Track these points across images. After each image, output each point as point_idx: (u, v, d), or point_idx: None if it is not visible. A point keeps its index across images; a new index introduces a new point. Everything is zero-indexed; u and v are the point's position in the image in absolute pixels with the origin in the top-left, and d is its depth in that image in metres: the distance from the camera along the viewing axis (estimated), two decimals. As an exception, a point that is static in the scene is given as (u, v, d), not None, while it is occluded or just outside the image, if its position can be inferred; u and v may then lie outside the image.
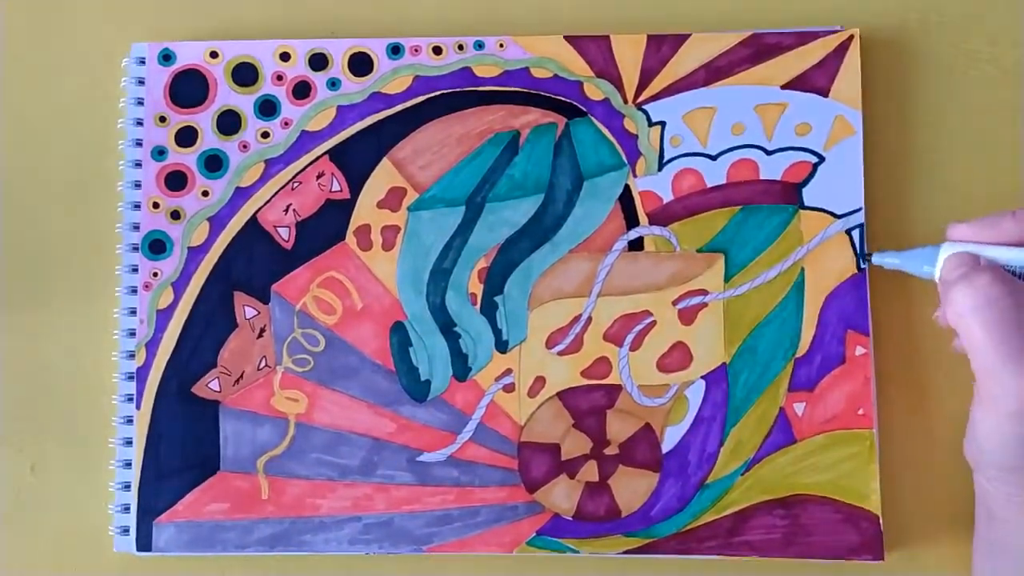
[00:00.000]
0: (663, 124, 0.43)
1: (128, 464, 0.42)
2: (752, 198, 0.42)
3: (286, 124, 0.44)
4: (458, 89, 0.44)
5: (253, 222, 0.44)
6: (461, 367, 0.43)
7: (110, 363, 0.44)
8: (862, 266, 0.42)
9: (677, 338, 0.42)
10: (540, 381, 0.43)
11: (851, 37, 0.43)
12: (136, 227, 0.43)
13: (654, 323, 0.42)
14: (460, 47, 0.44)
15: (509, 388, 0.43)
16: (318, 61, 0.44)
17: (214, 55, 0.44)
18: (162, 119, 0.44)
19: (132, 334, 0.43)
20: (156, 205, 0.44)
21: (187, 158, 0.44)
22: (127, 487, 0.42)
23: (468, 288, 0.43)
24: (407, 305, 0.43)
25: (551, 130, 0.43)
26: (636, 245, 0.43)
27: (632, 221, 0.43)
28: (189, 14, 0.46)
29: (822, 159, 0.42)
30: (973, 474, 0.39)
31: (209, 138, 0.44)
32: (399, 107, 0.44)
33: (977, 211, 0.42)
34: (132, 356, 0.43)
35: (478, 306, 0.43)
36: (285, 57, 0.44)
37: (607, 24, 0.45)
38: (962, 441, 0.38)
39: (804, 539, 0.41)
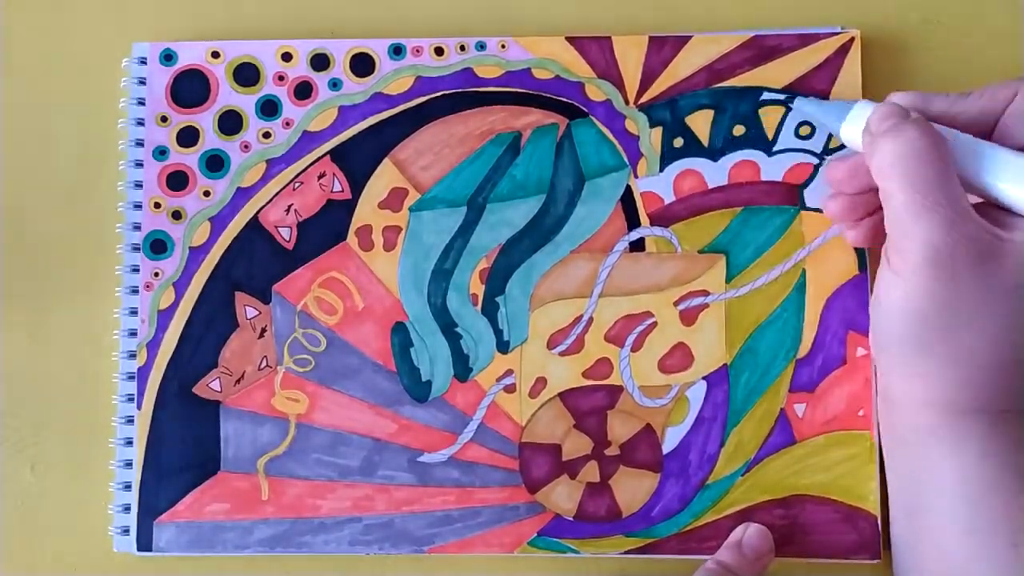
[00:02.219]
0: (664, 125, 0.43)
1: (129, 464, 0.42)
2: (753, 199, 0.43)
3: (287, 124, 0.44)
4: (460, 90, 0.44)
5: (254, 222, 0.44)
6: (462, 368, 0.43)
7: (111, 363, 0.44)
8: (789, 106, 0.42)
9: (678, 339, 0.42)
10: (541, 382, 0.43)
11: (852, 39, 0.43)
12: (137, 227, 0.43)
13: (655, 324, 0.42)
14: (462, 48, 0.44)
15: (510, 389, 0.43)
16: (320, 61, 0.44)
17: (215, 55, 0.44)
18: (163, 119, 0.44)
19: (133, 334, 0.43)
20: (157, 205, 0.44)
21: (188, 158, 0.44)
22: (127, 487, 0.42)
23: (469, 289, 0.43)
24: (408, 305, 0.43)
25: (552, 131, 0.43)
26: (637, 246, 0.43)
27: (633, 222, 0.43)
28: (190, 14, 0.46)
29: (823, 160, 0.42)
30: (877, 380, 0.38)
31: (210, 138, 0.44)
32: (401, 107, 0.44)
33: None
34: (133, 356, 0.43)
35: (479, 307, 0.43)
36: (287, 57, 0.44)
37: (609, 25, 0.45)
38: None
39: (803, 539, 0.41)
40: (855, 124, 0.38)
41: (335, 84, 0.44)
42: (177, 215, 0.44)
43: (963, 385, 0.34)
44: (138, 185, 0.44)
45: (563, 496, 0.42)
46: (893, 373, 0.37)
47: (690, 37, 0.43)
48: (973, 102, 0.36)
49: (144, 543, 0.42)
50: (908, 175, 0.33)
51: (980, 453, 0.34)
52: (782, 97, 0.43)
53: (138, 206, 0.44)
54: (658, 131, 0.43)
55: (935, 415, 0.35)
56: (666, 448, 0.42)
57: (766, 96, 0.43)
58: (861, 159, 0.38)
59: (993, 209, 0.35)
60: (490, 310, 0.43)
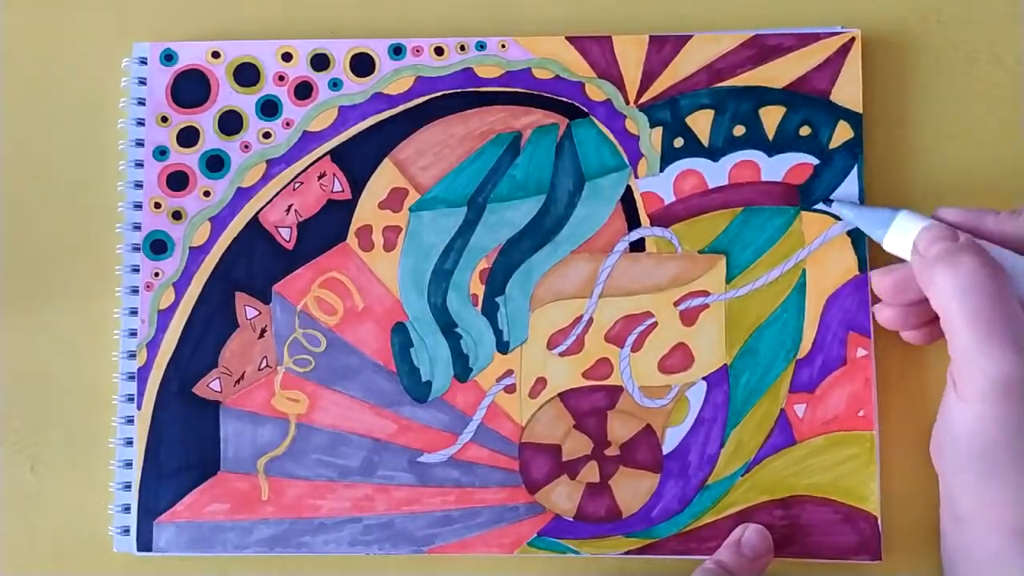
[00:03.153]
0: (665, 125, 0.43)
1: (129, 464, 0.42)
2: (754, 199, 0.43)
3: (288, 124, 0.44)
4: (460, 90, 0.44)
5: (254, 222, 0.44)
6: (462, 368, 0.43)
7: (111, 363, 0.44)
8: (823, 208, 0.42)
9: (678, 339, 0.42)
10: (541, 382, 0.43)
11: (852, 39, 0.43)
12: (137, 227, 0.43)
13: (655, 324, 0.42)
14: (462, 48, 0.44)
15: (510, 389, 0.43)
16: (320, 61, 0.44)
17: (216, 55, 0.44)
18: (164, 119, 0.44)
19: (133, 334, 0.43)
20: (157, 205, 0.44)
21: (189, 158, 0.44)
22: (127, 487, 0.42)
23: (469, 289, 0.43)
24: (408, 306, 0.43)
25: (553, 131, 0.43)
26: (637, 246, 0.43)
27: (633, 222, 0.43)
28: (191, 14, 0.46)
29: (824, 161, 0.42)
30: (942, 495, 0.39)
31: (211, 138, 0.44)
32: (401, 108, 0.44)
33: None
34: (133, 356, 0.43)
35: (479, 307, 0.43)
36: (287, 57, 0.44)
37: (609, 25, 0.45)
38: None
39: (803, 539, 0.41)
40: (900, 235, 0.38)
41: (335, 84, 0.44)
42: (177, 215, 0.44)
43: None
44: (138, 185, 0.44)
45: (563, 496, 0.42)
46: (962, 496, 0.36)
47: (690, 37, 0.43)
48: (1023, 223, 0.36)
49: (144, 543, 0.42)
50: (969, 309, 0.33)
51: None
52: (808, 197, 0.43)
53: (138, 206, 0.44)
54: (658, 131, 0.43)
55: (1007, 538, 0.35)
56: (666, 448, 0.42)
57: (767, 96, 0.43)
58: (906, 272, 0.38)
59: None
60: (490, 310, 0.43)
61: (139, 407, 0.43)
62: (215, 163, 0.44)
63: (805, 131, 0.43)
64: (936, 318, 0.37)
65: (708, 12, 0.45)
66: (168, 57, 0.44)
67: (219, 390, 0.43)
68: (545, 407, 0.42)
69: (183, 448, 0.42)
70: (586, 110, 0.43)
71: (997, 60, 0.44)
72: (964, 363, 0.34)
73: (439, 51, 0.44)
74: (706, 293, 0.42)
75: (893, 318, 0.40)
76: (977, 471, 0.35)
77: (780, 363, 0.42)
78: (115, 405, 0.43)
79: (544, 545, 0.42)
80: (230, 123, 0.44)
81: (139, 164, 0.44)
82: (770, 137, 0.43)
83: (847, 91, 0.43)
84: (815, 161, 0.43)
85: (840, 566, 0.42)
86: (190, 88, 0.44)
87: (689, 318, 0.42)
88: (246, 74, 0.44)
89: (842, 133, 0.43)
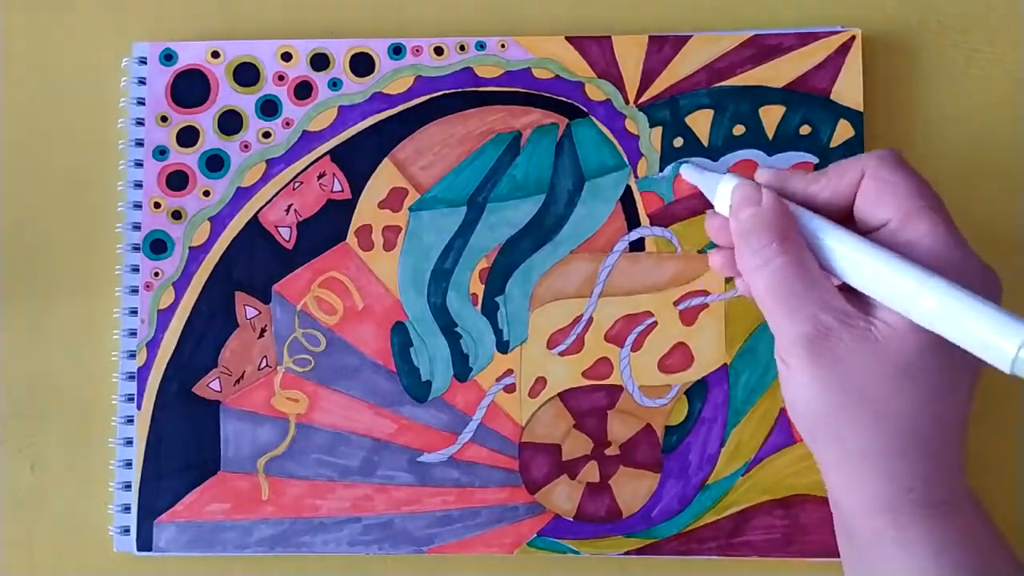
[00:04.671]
0: (664, 125, 0.43)
1: (129, 464, 0.42)
2: (753, 199, 0.42)
3: (287, 124, 0.44)
4: (459, 89, 0.44)
5: (254, 222, 0.43)
6: (462, 367, 0.43)
7: (111, 363, 0.44)
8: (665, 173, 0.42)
9: (678, 339, 0.42)
10: (541, 382, 0.43)
11: (852, 38, 0.43)
12: (137, 227, 0.43)
13: (655, 324, 0.42)
14: (462, 47, 0.44)
15: (510, 389, 0.43)
16: (319, 61, 0.44)
17: (215, 55, 0.44)
18: (163, 119, 0.44)
19: (133, 334, 0.43)
20: (157, 205, 0.44)
21: (188, 158, 0.44)
22: (127, 487, 0.42)
23: (469, 288, 0.43)
24: (408, 305, 0.43)
25: (552, 131, 0.43)
26: (637, 246, 0.43)
27: (633, 222, 0.43)
28: (190, 14, 0.46)
29: (824, 160, 0.42)
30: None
31: (210, 138, 0.44)
32: (400, 107, 0.44)
33: (978, 211, 0.42)
34: (133, 356, 0.43)
35: (479, 306, 0.43)
36: (286, 57, 0.44)
37: (609, 25, 0.45)
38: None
39: (803, 539, 0.41)
40: (724, 197, 0.36)
41: (335, 84, 0.44)
42: (177, 215, 0.44)
43: (888, 476, 0.33)
44: (138, 185, 0.44)
45: (563, 496, 0.42)
46: (826, 474, 0.35)
47: (690, 37, 0.43)
48: (826, 183, 0.35)
49: (144, 543, 0.42)
50: (765, 284, 0.33)
51: (933, 554, 0.32)
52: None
53: (138, 206, 0.44)
54: (658, 131, 0.43)
55: (875, 514, 0.33)
56: (666, 448, 0.42)
57: (766, 95, 0.43)
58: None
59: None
60: (490, 310, 0.43)
61: (139, 407, 0.43)
62: (215, 163, 0.44)
63: (805, 130, 0.43)
64: None
65: (708, 12, 0.45)
66: (168, 57, 0.44)
67: (219, 390, 0.43)
68: (545, 407, 0.42)
69: (183, 448, 0.42)
70: (586, 110, 0.43)
71: (997, 60, 0.44)
72: (774, 331, 0.33)
73: (439, 51, 0.44)
74: (706, 293, 0.42)
75: (722, 264, 0.37)
76: (823, 438, 0.33)
77: (780, 363, 0.42)
78: (115, 405, 0.43)
79: (544, 545, 0.42)
80: (230, 123, 0.44)
81: (139, 164, 0.44)
82: (770, 136, 0.43)
83: (848, 90, 0.43)
84: (815, 160, 0.43)
85: (840, 566, 0.41)
86: (190, 88, 0.44)
87: (689, 318, 0.42)
88: (246, 74, 0.44)
89: (843, 132, 0.43)
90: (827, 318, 0.32)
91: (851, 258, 0.32)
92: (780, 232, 0.33)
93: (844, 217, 0.34)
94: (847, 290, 0.33)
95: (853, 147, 0.42)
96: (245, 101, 0.44)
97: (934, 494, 0.33)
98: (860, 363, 0.32)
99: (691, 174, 0.38)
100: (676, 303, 0.42)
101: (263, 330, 0.43)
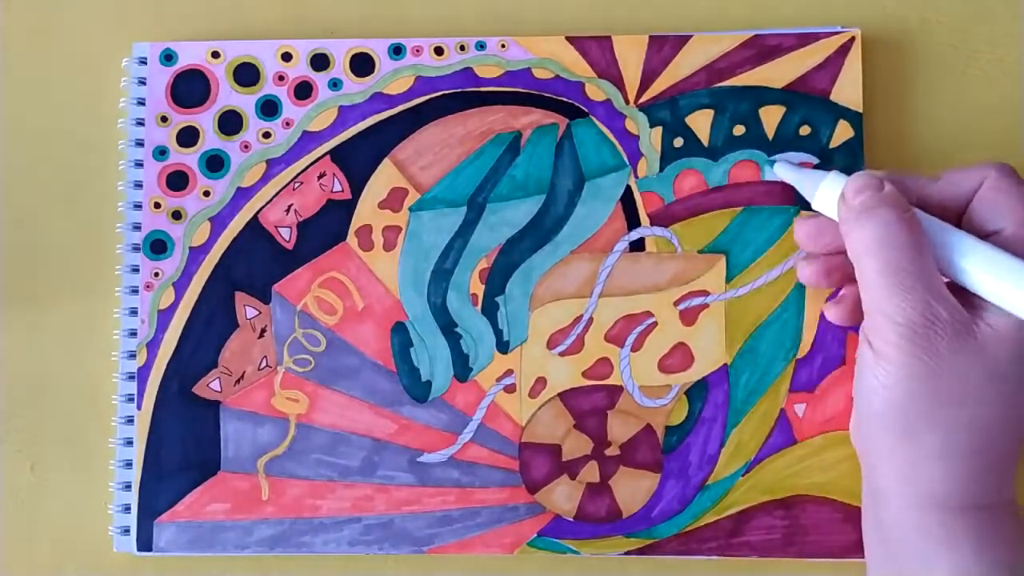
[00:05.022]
0: (665, 125, 0.43)
1: (128, 464, 0.42)
2: (753, 199, 0.43)
3: (287, 124, 0.44)
4: (460, 90, 0.44)
5: (254, 222, 0.44)
6: (462, 368, 0.43)
7: (110, 363, 0.44)
8: (768, 175, 0.42)
9: (678, 339, 0.42)
10: (541, 382, 0.43)
11: (852, 39, 0.43)
12: (137, 227, 0.43)
13: (655, 324, 0.42)
14: (462, 47, 0.44)
15: (510, 389, 0.43)
16: (319, 61, 0.44)
17: (216, 55, 0.44)
18: (163, 119, 0.44)
19: (133, 334, 0.43)
20: (157, 205, 0.44)
21: (188, 158, 0.44)
22: (127, 487, 0.42)
23: (469, 289, 0.43)
24: (408, 305, 0.43)
25: (552, 131, 0.43)
26: (637, 246, 0.43)
27: (633, 222, 0.43)
28: (190, 14, 0.46)
29: (824, 160, 0.42)
30: (863, 475, 0.38)
31: (210, 138, 0.44)
32: (400, 107, 0.44)
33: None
34: (133, 356, 0.43)
35: (479, 307, 0.43)
36: (287, 57, 0.44)
37: (609, 25, 0.45)
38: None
39: (803, 539, 0.41)
40: (829, 192, 0.37)
41: (335, 84, 0.44)
42: (177, 215, 0.44)
43: (952, 478, 0.33)
44: (138, 185, 0.44)
45: (563, 496, 0.42)
46: (880, 464, 0.35)
47: (690, 37, 0.43)
48: (943, 188, 0.36)
49: (144, 543, 0.42)
50: (881, 260, 0.33)
51: (975, 551, 0.33)
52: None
53: (138, 206, 0.44)
54: (658, 131, 0.43)
55: (926, 511, 0.34)
56: (666, 448, 0.42)
57: (767, 96, 0.43)
58: (828, 221, 0.37)
59: (965, 293, 0.34)
60: (490, 310, 0.43)
61: (139, 407, 0.43)
62: (215, 163, 0.44)
63: (805, 131, 0.43)
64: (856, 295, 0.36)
65: (708, 12, 0.45)
66: (168, 57, 0.44)
67: (219, 390, 0.43)
68: (545, 407, 0.42)
69: (183, 448, 0.42)
70: (586, 110, 0.43)
71: (997, 60, 0.44)
72: (875, 313, 0.33)
73: (439, 51, 0.44)
74: (706, 293, 0.42)
75: (813, 273, 0.38)
76: (894, 433, 0.34)
77: (780, 363, 0.42)
78: (115, 405, 0.43)
79: (544, 545, 0.42)
80: (230, 123, 0.44)
81: (139, 164, 0.44)
82: (770, 137, 0.43)
83: (847, 90, 0.43)
84: (815, 160, 0.43)
85: (840, 566, 0.42)
86: (190, 88, 0.44)
87: (689, 318, 0.42)
88: (246, 74, 0.44)
89: (842, 132, 0.43)
90: (938, 308, 0.32)
91: (969, 257, 0.33)
92: (902, 212, 0.34)
93: (952, 223, 0.35)
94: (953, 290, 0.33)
95: (853, 147, 0.42)
96: (245, 101, 0.44)
97: (988, 497, 0.33)
98: (960, 361, 0.32)
99: (785, 172, 0.38)
100: (676, 303, 0.43)
101: (263, 330, 0.43)
